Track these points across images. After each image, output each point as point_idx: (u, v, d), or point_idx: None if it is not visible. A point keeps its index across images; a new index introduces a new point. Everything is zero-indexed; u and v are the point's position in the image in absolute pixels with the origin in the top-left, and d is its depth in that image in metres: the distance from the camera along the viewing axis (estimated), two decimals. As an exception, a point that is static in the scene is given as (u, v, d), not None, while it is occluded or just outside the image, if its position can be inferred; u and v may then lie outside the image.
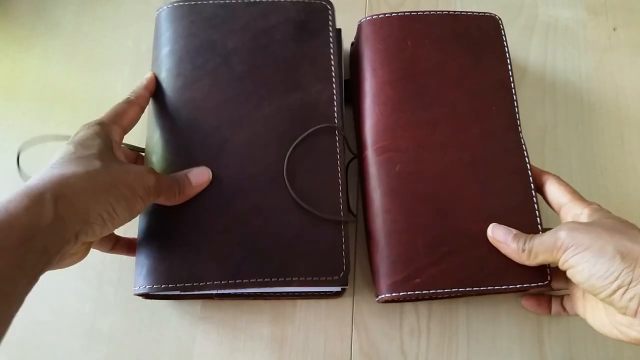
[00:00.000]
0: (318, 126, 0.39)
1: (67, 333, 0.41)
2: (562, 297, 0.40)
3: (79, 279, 0.42)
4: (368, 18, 0.44)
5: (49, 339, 0.40)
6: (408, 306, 0.42)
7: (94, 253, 0.35)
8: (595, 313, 0.34)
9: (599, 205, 0.36)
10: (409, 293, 0.37)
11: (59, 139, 0.43)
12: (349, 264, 0.37)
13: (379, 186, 0.39)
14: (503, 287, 0.37)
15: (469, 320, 0.42)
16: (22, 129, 0.45)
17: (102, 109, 0.48)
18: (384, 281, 0.37)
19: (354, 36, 0.46)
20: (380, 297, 0.38)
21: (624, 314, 0.30)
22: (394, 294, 0.37)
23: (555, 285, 0.38)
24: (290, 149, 0.38)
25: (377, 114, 0.41)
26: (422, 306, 0.42)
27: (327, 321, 0.41)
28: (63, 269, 0.32)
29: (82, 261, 0.34)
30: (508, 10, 0.53)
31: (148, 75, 0.41)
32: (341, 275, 0.37)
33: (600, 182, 0.46)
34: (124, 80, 0.49)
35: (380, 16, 0.44)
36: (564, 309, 0.39)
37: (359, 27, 0.45)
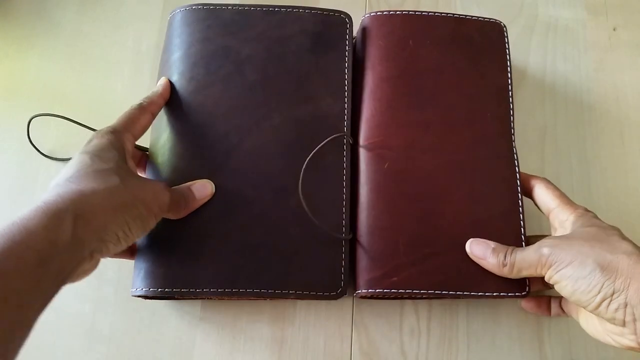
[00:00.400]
0: (333, 136, 0.39)
1: (67, 333, 0.41)
2: (560, 299, 0.40)
3: (79, 279, 0.42)
4: (372, 14, 0.44)
5: (49, 339, 0.40)
6: (408, 306, 0.42)
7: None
8: (588, 320, 0.34)
9: (585, 209, 0.36)
10: (385, 291, 0.37)
11: (75, 122, 0.43)
12: (348, 280, 0.37)
13: (366, 182, 0.39)
14: (479, 293, 0.37)
15: (469, 320, 0.41)
16: (22, 129, 0.45)
17: (102, 109, 0.48)
18: (362, 276, 0.38)
19: (355, 32, 0.46)
20: (357, 292, 0.38)
21: (614, 324, 0.30)
22: (370, 290, 0.37)
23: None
24: (306, 161, 0.38)
25: (372, 109, 0.41)
26: (422, 307, 0.42)
27: (327, 321, 0.41)
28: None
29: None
30: (508, 10, 0.52)
31: (163, 81, 0.40)
32: (338, 291, 0.37)
33: (600, 182, 0.46)
34: (124, 80, 0.49)
35: (384, 13, 0.43)
36: (563, 310, 0.39)
37: (362, 22, 0.45)
